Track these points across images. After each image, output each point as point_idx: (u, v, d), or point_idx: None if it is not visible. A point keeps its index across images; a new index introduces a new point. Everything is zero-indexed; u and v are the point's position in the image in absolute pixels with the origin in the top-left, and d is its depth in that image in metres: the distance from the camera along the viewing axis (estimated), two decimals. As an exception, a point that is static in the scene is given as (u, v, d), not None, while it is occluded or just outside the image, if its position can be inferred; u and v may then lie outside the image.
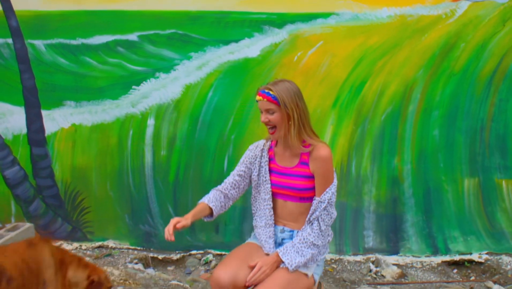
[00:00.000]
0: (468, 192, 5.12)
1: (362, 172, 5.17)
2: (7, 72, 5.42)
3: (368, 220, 5.23)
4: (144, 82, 5.27)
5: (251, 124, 5.18)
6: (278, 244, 3.89)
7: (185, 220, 3.61)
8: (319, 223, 3.68)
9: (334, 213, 3.78)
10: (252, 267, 3.68)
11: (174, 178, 5.34)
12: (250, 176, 3.93)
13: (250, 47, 5.14)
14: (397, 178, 5.15)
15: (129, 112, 5.33)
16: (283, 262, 3.63)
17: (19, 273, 3.07)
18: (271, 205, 3.84)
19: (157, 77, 5.26)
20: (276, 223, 3.87)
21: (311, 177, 3.72)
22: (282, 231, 3.86)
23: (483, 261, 5.08)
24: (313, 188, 3.75)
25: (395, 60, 5.03)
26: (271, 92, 3.59)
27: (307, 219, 3.72)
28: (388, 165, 5.14)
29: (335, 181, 3.73)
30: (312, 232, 3.67)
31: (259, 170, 3.87)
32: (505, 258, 5.05)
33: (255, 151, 3.91)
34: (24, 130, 5.47)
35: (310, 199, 3.75)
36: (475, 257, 5.12)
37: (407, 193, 5.16)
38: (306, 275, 3.72)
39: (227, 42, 5.15)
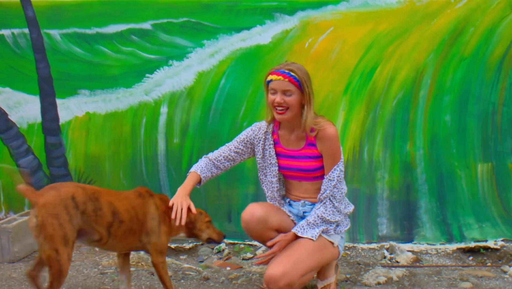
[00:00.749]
0: (481, 177, 5.10)
1: (374, 158, 5.17)
2: (23, 61, 5.51)
3: (382, 207, 5.20)
4: (157, 70, 5.33)
5: (263, 111, 5.08)
6: (301, 217, 3.91)
7: (189, 202, 3.70)
8: (331, 201, 3.70)
9: (345, 188, 3.82)
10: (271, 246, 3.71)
11: (187, 165, 5.34)
12: (247, 155, 3.98)
13: (262, 34, 5.19)
14: (409, 164, 5.14)
15: (143, 100, 5.38)
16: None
17: (129, 218, 3.48)
18: (279, 187, 3.87)
19: (170, 65, 5.32)
20: (295, 199, 3.91)
21: (320, 156, 3.76)
22: (303, 205, 3.90)
23: (498, 247, 5.02)
24: (323, 167, 3.78)
25: (405, 45, 5.06)
26: (292, 73, 3.59)
27: (318, 197, 3.74)
28: (401, 150, 5.14)
29: (342, 158, 3.75)
30: (326, 210, 3.70)
31: (263, 153, 3.90)
32: (521, 245, 5.02)
33: (258, 133, 3.93)
34: (39, 119, 5.53)
35: (323, 177, 3.78)
36: (490, 244, 5.06)
37: (420, 179, 5.14)
38: (333, 243, 3.74)
39: (239, 30, 5.21)
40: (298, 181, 3.84)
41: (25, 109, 5.54)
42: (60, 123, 5.51)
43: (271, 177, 3.90)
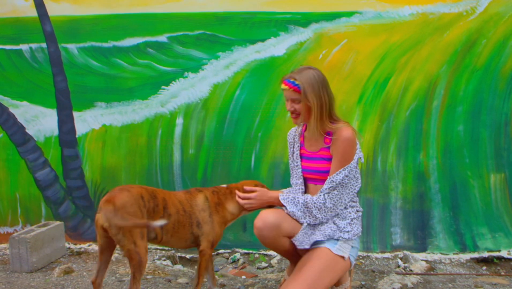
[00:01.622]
0: (494, 187, 5.13)
1: (388, 168, 5.21)
2: (41, 75, 5.60)
3: (395, 216, 5.23)
4: (173, 82, 5.42)
5: (278, 121, 5.27)
6: (312, 226, 3.93)
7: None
8: (325, 198, 3.73)
9: (354, 187, 3.81)
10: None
11: (202, 175, 5.42)
12: None
13: (276, 46, 5.28)
14: (423, 174, 5.18)
15: (158, 111, 5.45)
16: (280, 205, 3.83)
17: (175, 211, 3.68)
18: (303, 190, 3.91)
19: (186, 77, 5.40)
20: None
21: (331, 159, 3.80)
22: None
23: (512, 257, 5.07)
24: None
25: (418, 56, 5.13)
26: (295, 82, 3.70)
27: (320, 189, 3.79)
28: (414, 160, 5.18)
29: (352, 165, 3.77)
30: (316, 201, 3.74)
31: (293, 155, 3.98)
32: (535, 255, 5.03)
33: (290, 139, 4.08)
34: (56, 132, 5.61)
35: None
36: (504, 254, 5.09)
37: (433, 189, 5.17)
38: (343, 257, 3.75)
39: (253, 42, 5.29)
40: (314, 184, 3.87)
41: (42, 122, 5.62)
42: (76, 136, 5.58)
43: (296, 179, 3.96)
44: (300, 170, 3.93)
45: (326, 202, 3.72)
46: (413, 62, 5.15)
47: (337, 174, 3.71)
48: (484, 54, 5.07)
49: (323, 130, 3.75)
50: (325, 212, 3.74)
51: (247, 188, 3.89)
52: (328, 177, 3.75)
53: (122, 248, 3.45)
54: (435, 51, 5.11)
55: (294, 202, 3.76)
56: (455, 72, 5.11)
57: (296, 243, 3.74)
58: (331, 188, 3.71)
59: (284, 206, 3.78)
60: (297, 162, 3.95)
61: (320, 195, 3.73)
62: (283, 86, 3.74)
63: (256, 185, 3.98)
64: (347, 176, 3.73)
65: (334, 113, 3.78)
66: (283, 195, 3.82)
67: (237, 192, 3.89)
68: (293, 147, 4.00)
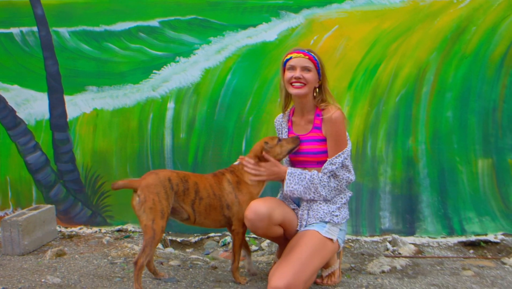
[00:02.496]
0: (482, 173, 5.19)
1: (377, 153, 5.26)
2: (32, 59, 5.61)
3: (384, 201, 5.29)
4: (164, 66, 5.44)
5: (269, 106, 5.30)
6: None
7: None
8: (329, 178, 3.82)
9: (350, 176, 3.89)
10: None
11: (193, 160, 5.45)
12: None
13: (268, 32, 5.31)
14: (412, 159, 5.23)
15: (150, 96, 5.47)
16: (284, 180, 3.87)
17: (207, 195, 3.90)
18: None
19: (177, 62, 5.43)
20: None
21: (324, 140, 3.89)
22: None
23: (498, 241, 5.11)
24: (326, 151, 3.90)
25: (408, 43, 5.18)
26: (311, 53, 3.91)
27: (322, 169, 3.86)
28: (403, 145, 5.23)
29: (349, 147, 3.87)
30: (322, 179, 3.82)
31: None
32: (521, 239, 5.10)
33: (277, 125, 4.20)
34: (47, 116, 5.62)
35: None
36: (490, 237, 5.15)
37: (422, 174, 5.23)
38: (332, 240, 3.81)
39: (245, 27, 5.32)
40: (303, 168, 3.93)
41: (33, 106, 5.62)
42: (68, 120, 5.59)
43: (284, 163, 4.04)
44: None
45: (330, 181, 3.82)
46: (403, 48, 5.19)
47: (336, 157, 3.81)
48: (474, 41, 5.12)
49: (315, 106, 3.95)
50: (329, 190, 3.84)
51: (266, 156, 3.90)
52: (328, 159, 3.84)
53: (141, 223, 3.71)
54: (425, 37, 5.15)
55: (300, 178, 3.82)
56: (445, 59, 5.15)
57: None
58: (332, 170, 3.79)
59: (287, 182, 3.85)
60: None
61: (324, 174, 3.81)
62: (295, 54, 3.88)
63: (266, 143, 3.98)
64: (346, 158, 3.85)
65: (330, 94, 4.00)
66: (291, 169, 3.86)
67: (244, 163, 3.96)
68: (281, 133, 4.10)
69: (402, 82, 5.20)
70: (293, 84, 3.87)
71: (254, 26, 5.31)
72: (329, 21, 5.23)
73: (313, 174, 3.80)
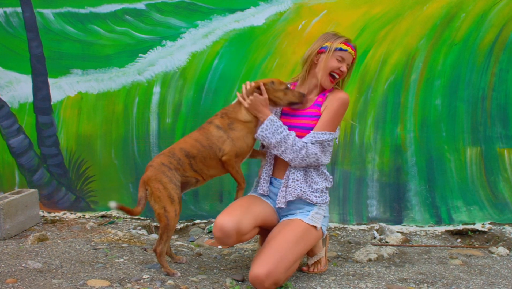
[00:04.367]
0: (470, 161, 5.16)
1: (365, 141, 5.22)
2: (15, 40, 5.53)
3: (372, 189, 5.26)
4: (150, 50, 5.38)
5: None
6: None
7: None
8: (304, 145, 3.74)
9: (322, 158, 3.81)
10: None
11: (179, 145, 5.37)
12: None
13: (256, 16, 5.24)
14: (400, 147, 5.19)
15: (136, 80, 5.42)
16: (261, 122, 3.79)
17: (197, 151, 3.89)
18: None
19: (164, 45, 5.36)
20: (279, 176, 3.94)
21: (318, 116, 3.84)
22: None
23: (486, 230, 5.09)
24: None
25: (397, 29, 5.12)
26: (356, 51, 3.94)
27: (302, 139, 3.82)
28: (391, 133, 5.19)
29: (336, 134, 3.85)
30: (296, 142, 3.73)
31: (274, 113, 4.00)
32: (508, 228, 5.04)
33: None
34: (31, 99, 5.56)
35: None
36: (478, 226, 5.13)
37: (410, 162, 5.19)
38: (315, 227, 3.76)
39: (233, 11, 5.25)
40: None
41: (17, 88, 5.56)
42: (52, 103, 5.53)
43: None
44: None
45: (303, 149, 3.72)
46: (392, 35, 5.13)
47: (322, 134, 3.75)
48: (463, 28, 5.07)
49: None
50: (295, 157, 3.74)
51: (262, 89, 3.80)
52: (312, 131, 3.78)
53: (155, 212, 3.82)
54: (414, 24, 5.10)
55: (277, 130, 3.72)
56: (434, 46, 5.11)
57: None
58: (311, 142, 3.73)
59: (263, 126, 3.76)
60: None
61: (300, 141, 3.74)
62: (350, 49, 3.86)
63: (272, 82, 3.86)
64: (328, 141, 3.78)
65: None
66: (274, 117, 3.75)
67: (242, 86, 3.86)
68: None
69: (390, 69, 5.15)
70: (333, 74, 3.83)
71: (242, 10, 5.24)
72: (318, 6, 5.16)
73: (290, 135, 3.71)
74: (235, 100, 3.93)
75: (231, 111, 3.89)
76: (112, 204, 3.72)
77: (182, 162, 3.87)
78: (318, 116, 3.83)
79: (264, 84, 3.80)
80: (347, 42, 3.85)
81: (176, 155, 3.88)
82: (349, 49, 3.82)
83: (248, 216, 3.73)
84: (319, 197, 3.84)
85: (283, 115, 3.96)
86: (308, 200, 3.81)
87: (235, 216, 3.66)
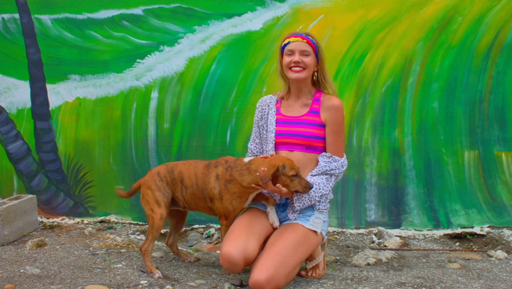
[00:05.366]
0: (468, 164, 5.16)
1: (363, 144, 5.21)
2: (13, 46, 5.54)
3: (370, 192, 5.25)
4: (148, 55, 5.38)
5: (254, 97, 5.24)
6: (282, 204, 3.93)
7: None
8: (335, 179, 3.88)
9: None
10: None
11: (177, 150, 5.40)
12: None
13: (253, 21, 5.24)
14: (398, 150, 5.19)
15: (133, 85, 5.42)
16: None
17: (190, 184, 4.01)
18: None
19: (161, 50, 5.37)
20: None
21: (321, 126, 3.85)
22: None
23: (484, 233, 5.08)
24: (321, 138, 3.86)
25: (394, 33, 5.12)
26: (310, 37, 3.86)
27: (319, 170, 3.81)
28: (389, 137, 5.19)
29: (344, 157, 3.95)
30: (327, 183, 3.81)
31: (266, 121, 4.00)
32: (507, 232, 5.05)
33: (262, 106, 4.07)
34: (29, 104, 5.56)
35: (317, 150, 3.86)
36: (476, 230, 5.12)
37: (408, 165, 5.19)
38: (315, 232, 3.77)
39: (230, 16, 5.26)
40: (289, 151, 3.86)
41: (15, 94, 5.57)
42: (50, 108, 5.53)
43: (265, 146, 3.98)
44: (273, 134, 3.92)
45: (330, 182, 3.83)
46: (389, 38, 5.13)
47: (343, 161, 3.90)
48: (460, 31, 5.07)
49: (314, 90, 3.94)
50: (329, 189, 3.87)
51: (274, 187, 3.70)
52: (328, 152, 3.84)
53: (145, 213, 4.09)
54: (411, 27, 5.09)
55: (308, 198, 3.76)
56: (431, 49, 5.11)
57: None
58: (339, 173, 3.90)
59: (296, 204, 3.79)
60: (271, 127, 3.93)
61: (328, 176, 3.82)
62: (293, 38, 3.83)
63: (284, 166, 3.68)
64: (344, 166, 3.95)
65: (330, 81, 3.98)
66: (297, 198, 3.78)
67: (269, 184, 3.69)
68: (267, 114, 4.00)
69: (388, 73, 5.15)
70: (292, 68, 3.83)
71: (239, 15, 5.24)
72: (315, 10, 5.17)
73: (320, 185, 3.76)
74: (250, 159, 3.83)
75: (237, 171, 3.80)
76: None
77: (175, 183, 4.05)
78: (316, 124, 3.84)
79: (277, 169, 3.67)
80: (291, 34, 3.89)
81: (173, 174, 4.06)
82: (293, 39, 3.84)
83: (252, 238, 3.70)
84: (323, 203, 3.87)
85: (280, 123, 3.94)
86: (317, 209, 3.84)
87: (240, 243, 3.63)
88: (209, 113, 5.33)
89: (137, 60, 5.39)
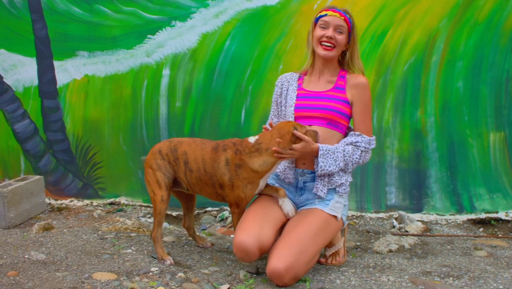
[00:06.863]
0: (493, 146, 4.95)
1: (384, 125, 5.01)
2: (19, 22, 5.38)
3: (391, 175, 5.05)
4: (159, 31, 5.20)
5: (270, 75, 5.05)
6: (300, 188, 3.74)
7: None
8: (361, 154, 3.67)
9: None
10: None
11: (189, 130, 5.23)
12: None
13: (269, -5, 5.06)
14: (420, 131, 4.98)
15: (144, 62, 5.25)
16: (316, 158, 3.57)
17: (197, 168, 3.75)
18: None
19: (173, 26, 5.18)
20: (296, 166, 3.72)
21: (346, 102, 3.69)
22: (302, 174, 3.72)
23: (510, 219, 4.89)
24: (344, 115, 3.69)
25: (417, 8, 4.89)
26: (347, 14, 3.70)
27: (344, 142, 3.66)
28: (411, 117, 4.98)
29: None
30: (353, 152, 3.62)
31: (286, 97, 3.84)
32: (533, 217, 4.88)
33: (282, 82, 3.91)
34: (36, 82, 5.42)
35: (338, 127, 3.69)
36: (501, 215, 4.92)
37: (430, 147, 4.98)
38: (336, 217, 3.59)
39: (245, -10, 5.07)
40: (308, 126, 3.65)
41: (21, 71, 5.42)
42: (57, 86, 5.39)
43: (287, 119, 3.79)
44: (292, 108, 3.74)
45: (360, 157, 3.68)
46: (412, 14, 4.90)
47: (371, 140, 3.71)
48: (486, 7, 4.83)
49: (339, 69, 3.80)
50: (354, 164, 3.69)
51: (297, 134, 3.47)
52: (360, 133, 3.68)
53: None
54: (435, 3, 4.86)
55: (334, 157, 3.56)
56: (456, 26, 4.87)
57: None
58: (365, 150, 3.69)
59: (320, 164, 3.56)
60: (290, 102, 3.76)
61: (356, 147, 3.64)
62: (330, 12, 3.66)
63: (295, 127, 3.56)
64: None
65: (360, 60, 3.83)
66: (322, 147, 3.54)
67: (276, 148, 3.50)
68: (287, 89, 3.84)
69: (410, 50, 4.93)
70: (322, 43, 3.66)
71: (255, -12, 5.06)
72: (335, -16, 4.96)
73: (345, 151, 3.58)
74: (256, 139, 3.61)
75: (247, 153, 3.59)
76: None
77: (178, 164, 3.81)
78: (341, 99, 3.67)
79: (291, 134, 3.49)
80: (329, 8, 3.73)
81: (176, 153, 3.82)
82: (329, 12, 3.67)
83: (266, 225, 3.52)
84: (344, 185, 3.69)
85: (300, 98, 3.76)
86: (338, 192, 3.68)
87: (254, 231, 3.45)
88: (222, 92, 5.15)
89: (148, 36, 5.21)
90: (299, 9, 4.97)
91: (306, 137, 3.46)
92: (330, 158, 3.53)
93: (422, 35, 4.91)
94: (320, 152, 3.52)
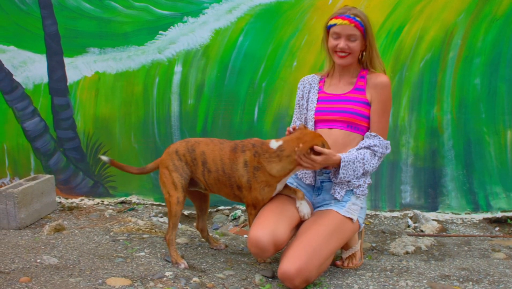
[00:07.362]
0: (510, 145, 4.86)
1: (399, 122, 4.93)
2: (29, 18, 5.30)
3: (406, 173, 4.98)
4: (171, 27, 5.13)
5: (283, 72, 4.98)
6: (317, 188, 3.67)
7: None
8: (377, 161, 3.60)
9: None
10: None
11: (201, 128, 5.16)
12: None
13: (283, -10, 4.98)
14: (436, 129, 4.90)
15: (155, 58, 5.18)
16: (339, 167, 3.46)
17: (215, 169, 3.71)
18: None
19: (185, 22, 5.11)
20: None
21: (366, 103, 3.62)
22: (320, 174, 3.65)
23: (527, 218, 4.84)
24: (364, 117, 3.62)
25: (434, 3, 4.80)
26: (358, 18, 3.55)
27: (362, 145, 3.57)
28: (427, 115, 4.90)
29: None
30: (371, 159, 3.53)
31: (307, 100, 3.78)
32: (550, 216, 4.81)
33: (304, 84, 3.85)
34: (46, 79, 5.34)
35: (359, 129, 3.62)
36: (518, 214, 4.88)
37: (446, 145, 4.91)
38: (351, 220, 3.51)
39: (258, -15, 5.00)
40: (328, 129, 3.62)
41: (31, 68, 5.36)
42: (68, 84, 5.33)
43: (307, 124, 3.74)
44: (313, 112, 3.68)
45: (377, 161, 3.60)
46: (429, 10, 4.81)
47: (386, 144, 3.62)
48: (505, 2, 4.74)
49: (360, 69, 3.72)
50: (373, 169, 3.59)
51: (317, 148, 3.37)
52: (375, 134, 3.59)
53: (164, 195, 3.86)
54: (452, -2, 4.81)
55: (354, 167, 3.46)
56: (474, 22, 4.78)
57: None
58: (381, 154, 3.61)
59: (342, 174, 3.47)
60: (311, 105, 3.71)
61: (374, 154, 3.55)
62: (340, 21, 3.54)
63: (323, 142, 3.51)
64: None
65: (379, 57, 3.74)
66: (343, 157, 3.44)
67: (300, 157, 3.41)
68: (309, 92, 3.78)
69: (427, 46, 4.84)
70: (338, 53, 3.59)
71: (269, -17, 4.98)
72: (350, -21, 4.87)
73: (365, 159, 3.49)
74: (279, 145, 3.52)
75: (266, 158, 3.52)
76: (104, 157, 4.06)
77: (196, 164, 3.77)
78: (361, 101, 3.60)
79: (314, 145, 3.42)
80: (338, 14, 3.59)
81: (194, 153, 3.77)
82: (340, 21, 3.54)
83: (282, 221, 3.47)
84: (361, 188, 3.62)
85: (321, 101, 3.71)
86: (356, 193, 3.61)
87: (269, 226, 3.40)
88: (235, 89, 5.08)
89: (160, 32, 5.13)
90: (314, 4, 4.89)
91: (326, 150, 3.39)
92: (350, 168, 3.46)
93: (439, 31, 4.83)
94: (342, 164, 3.44)
